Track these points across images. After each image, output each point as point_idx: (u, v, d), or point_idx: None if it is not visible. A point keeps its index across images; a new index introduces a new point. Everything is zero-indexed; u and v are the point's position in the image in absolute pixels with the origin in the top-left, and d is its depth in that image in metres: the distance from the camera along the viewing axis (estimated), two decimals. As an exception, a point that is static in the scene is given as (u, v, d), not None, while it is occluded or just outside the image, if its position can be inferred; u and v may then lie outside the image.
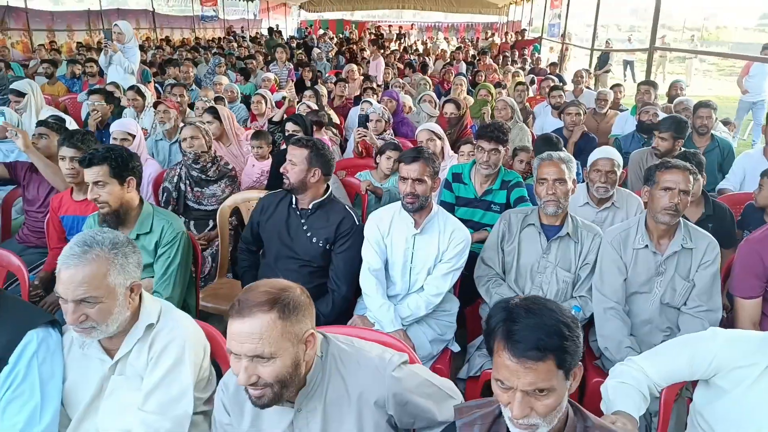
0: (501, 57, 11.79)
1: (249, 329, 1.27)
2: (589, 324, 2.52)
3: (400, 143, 3.82)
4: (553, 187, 2.44)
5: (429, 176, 2.40)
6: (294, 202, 2.63)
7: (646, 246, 2.35)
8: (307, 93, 5.85)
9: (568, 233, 2.51)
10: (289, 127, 4.03)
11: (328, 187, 2.68)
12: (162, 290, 2.42)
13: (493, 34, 18.68)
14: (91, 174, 2.33)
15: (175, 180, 3.75)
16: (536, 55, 12.98)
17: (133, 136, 3.87)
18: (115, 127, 3.87)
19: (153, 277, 2.47)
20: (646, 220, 2.38)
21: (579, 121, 4.42)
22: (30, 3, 13.31)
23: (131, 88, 5.26)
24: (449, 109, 4.33)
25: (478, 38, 21.89)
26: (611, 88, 6.40)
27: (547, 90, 6.08)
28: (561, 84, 7.14)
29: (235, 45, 15.08)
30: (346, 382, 1.42)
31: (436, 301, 2.48)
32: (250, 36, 18.59)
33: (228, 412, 1.49)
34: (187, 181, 3.76)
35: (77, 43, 14.02)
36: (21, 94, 4.82)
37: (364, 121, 4.28)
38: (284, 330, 1.28)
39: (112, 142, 3.86)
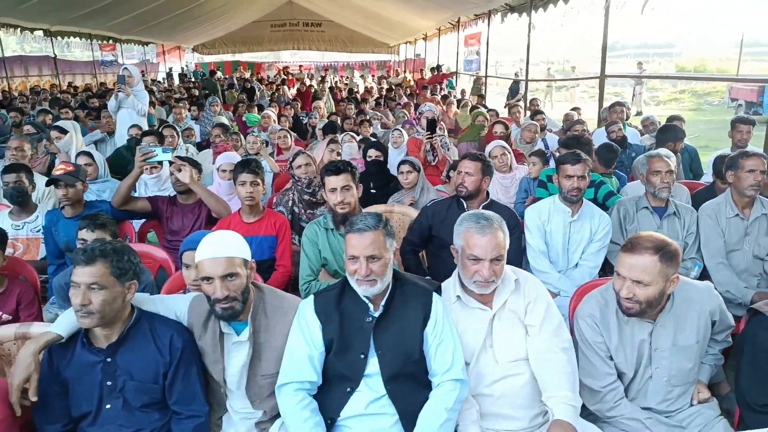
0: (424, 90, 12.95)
1: (640, 263, 1.92)
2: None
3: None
4: (666, 176, 3.28)
5: (588, 173, 3.15)
6: (465, 207, 3.23)
7: (736, 215, 3.25)
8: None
9: (674, 212, 3.35)
10: (372, 153, 4.57)
11: (488, 192, 3.32)
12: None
13: (404, 71, 19.99)
14: None
15: (289, 204, 4.13)
16: (452, 90, 14.35)
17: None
18: (223, 160, 4.16)
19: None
20: (732, 196, 3.29)
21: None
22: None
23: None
24: (499, 128, 5.14)
25: (389, 75, 23.21)
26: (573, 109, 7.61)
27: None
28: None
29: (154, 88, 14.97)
30: (692, 299, 2.09)
31: (595, 272, 3.18)
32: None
33: (600, 332, 2.09)
34: (300, 204, 4.15)
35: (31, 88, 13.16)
36: (64, 131, 5.02)
37: (432, 125, 4.90)
38: (662, 269, 1.94)
39: (221, 174, 4.15)
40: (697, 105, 19.10)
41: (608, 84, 25.56)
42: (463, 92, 13.19)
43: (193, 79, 22.67)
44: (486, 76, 12.99)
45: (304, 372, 1.94)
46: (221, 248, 1.95)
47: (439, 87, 14.26)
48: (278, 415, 2.01)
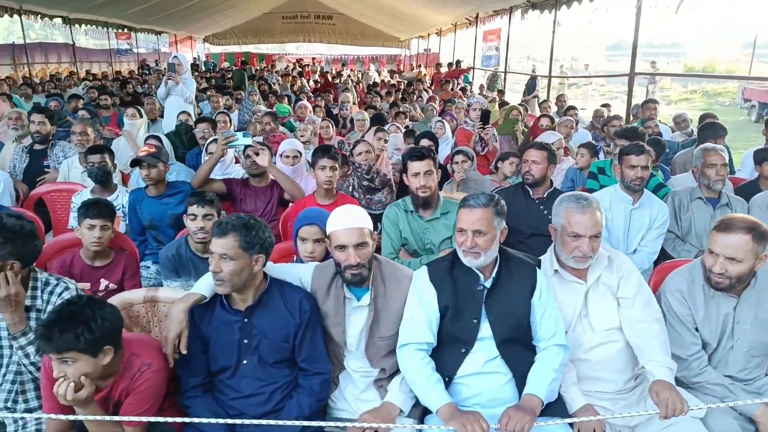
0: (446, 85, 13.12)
1: (734, 241, 2.11)
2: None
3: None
4: (722, 169, 3.48)
5: (650, 164, 3.34)
6: (530, 194, 3.43)
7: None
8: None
9: (726, 203, 3.55)
10: (425, 143, 4.76)
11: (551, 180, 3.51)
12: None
13: (419, 65, 20.14)
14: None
15: (349, 189, 4.31)
16: (468, 85, 14.50)
17: (301, 154, 4.36)
18: (286, 146, 4.34)
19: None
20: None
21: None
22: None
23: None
24: (545, 122, 5.34)
25: (399, 69, 23.37)
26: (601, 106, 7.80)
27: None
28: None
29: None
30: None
31: (653, 258, 3.38)
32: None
33: (688, 305, 2.29)
34: (360, 190, 4.34)
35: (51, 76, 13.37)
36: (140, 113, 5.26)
37: (486, 116, 5.09)
38: (753, 247, 2.13)
39: (284, 160, 4.34)
40: (708, 105, 19.28)
41: (617, 82, 25.76)
42: (481, 87, 13.35)
43: (204, 69, 22.81)
44: (506, 72, 13.14)
45: (422, 334, 2.13)
46: (354, 219, 2.14)
47: (455, 82, 14.44)
48: (394, 374, 2.21)
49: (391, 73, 20.44)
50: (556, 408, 2.08)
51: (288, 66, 24.76)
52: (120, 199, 3.82)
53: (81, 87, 12.42)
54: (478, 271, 2.16)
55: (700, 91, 21.10)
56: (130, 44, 20.83)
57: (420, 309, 2.15)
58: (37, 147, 4.75)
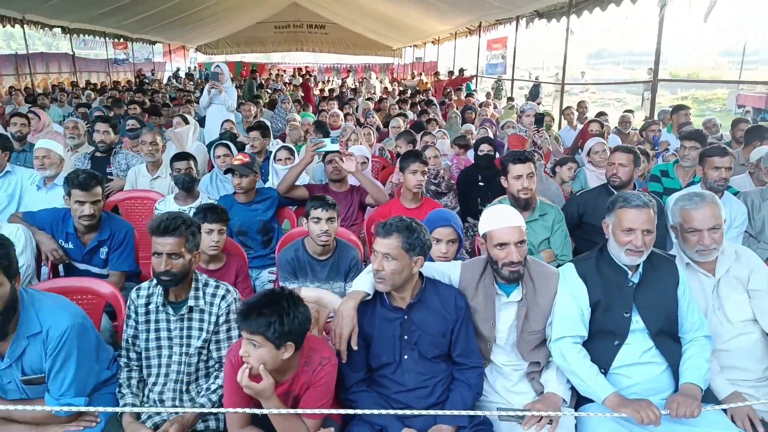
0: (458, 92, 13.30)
1: None
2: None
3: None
4: (792, 168, 3.64)
5: (732, 165, 3.49)
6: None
7: None
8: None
9: (795, 200, 3.71)
10: (484, 147, 4.87)
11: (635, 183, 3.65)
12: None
13: (420, 73, 20.33)
14: None
15: (418, 195, 4.40)
16: (471, 93, 14.65)
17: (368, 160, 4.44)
18: (356, 152, 4.40)
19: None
20: None
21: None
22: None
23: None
24: (595, 127, 5.50)
25: (392, 77, 23.55)
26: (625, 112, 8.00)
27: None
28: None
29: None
30: None
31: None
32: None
33: None
34: (427, 194, 4.43)
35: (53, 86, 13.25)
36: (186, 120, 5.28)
37: (541, 120, 5.21)
38: None
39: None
40: (699, 111, 19.76)
41: (608, 90, 26.23)
42: (488, 95, 13.55)
43: (198, 79, 22.76)
44: (513, 80, 13.36)
45: (576, 328, 2.23)
46: (513, 219, 2.23)
47: (461, 89, 14.62)
48: (544, 367, 2.30)
49: (392, 81, 20.58)
50: (706, 396, 2.18)
51: (282, 74, 24.73)
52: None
53: (89, 98, 12.31)
54: (626, 268, 2.26)
55: (690, 98, 21.63)
56: (126, 54, 20.72)
57: (572, 304, 2.25)
58: (98, 155, 4.76)
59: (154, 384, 2.30)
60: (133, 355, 2.34)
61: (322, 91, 16.09)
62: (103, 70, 19.31)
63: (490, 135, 6.06)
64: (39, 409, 2.01)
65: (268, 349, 1.87)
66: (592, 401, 2.20)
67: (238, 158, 3.65)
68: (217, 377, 2.32)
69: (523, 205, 3.17)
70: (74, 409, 2.04)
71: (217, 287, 2.33)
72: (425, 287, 2.26)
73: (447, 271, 2.39)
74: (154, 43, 22.86)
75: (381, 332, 2.22)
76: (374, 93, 16.19)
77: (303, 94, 13.48)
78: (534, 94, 14.80)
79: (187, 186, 3.76)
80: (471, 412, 2.10)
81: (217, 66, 6.48)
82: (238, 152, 5.30)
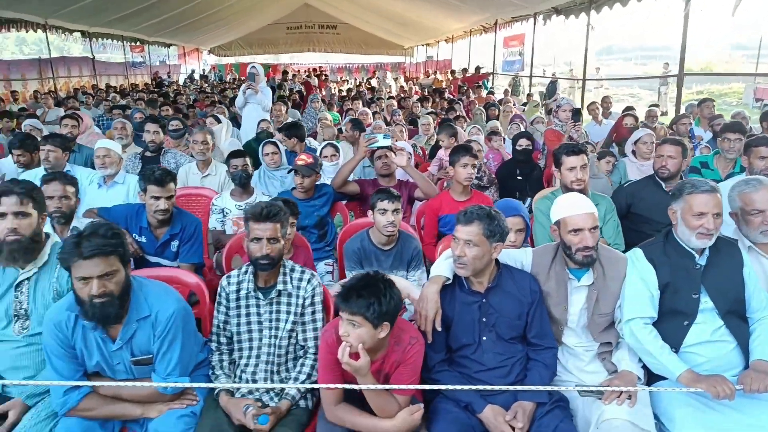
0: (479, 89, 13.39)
1: None
2: None
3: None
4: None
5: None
6: (663, 186, 3.65)
7: None
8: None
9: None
10: (522, 142, 4.98)
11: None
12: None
13: (435, 72, 20.43)
14: None
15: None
16: (492, 91, 14.75)
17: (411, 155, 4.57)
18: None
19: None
20: None
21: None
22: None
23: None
24: (629, 121, 5.60)
25: (404, 76, 23.68)
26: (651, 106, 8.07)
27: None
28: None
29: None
30: None
31: None
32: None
33: None
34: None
35: (75, 89, 13.57)
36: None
37: (578, 114, 5.31)
38: None
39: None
40: (716, 106, 19.71)
41: (622, 85, 26.18)
42: (506, 92, 13.63)
43: (214, 81, 23.02)
44: (531, 76, 13.45)
45: (647, 309, 2.34)
46: (587, 206, 2.35)
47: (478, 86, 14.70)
48: (615, 347, 2.42)
49: (407, 80, 20.70)
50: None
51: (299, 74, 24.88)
52: (258, 200, 3.99)
53: (114, 101, 12.51)
54: (693, 251, 2.37)
55: (706, 92, 21.55)
56: (143, 57, 20.99)
57: (642, 286, 2.36)
58: (148, 154, 4.92)
59: (246, 365, 2.44)
60: (223, 340, 2.48)
61: (340, 91, 16.21)
62: (121, 73, 19.59)
63: (522, 129, 6.18)
64: (147, 386, 2.16)
65: (366, 329, 1.99)
66: (663, 379, 2.31)
67: (302, 159, 3.79)
68: (303, 364, 2.44)
69: None
70: (180, 385, 2.19)
71: (302, 272, 2.47)
72: (501, 272, 2.38)
73: (519, 257, 2.51)
74: (169, 45, 23.16)
75: (460, 315, 2.34)
76: (390, 92, 16.30)
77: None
78: (551, 91, 14.84)
79: (243, 182, 3.90)
80: (550, 388, 2.22)
81: (253, 67, 6.63)
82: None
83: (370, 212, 3.10)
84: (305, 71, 25.57)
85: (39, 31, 13.45)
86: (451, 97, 12.23)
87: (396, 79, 20.48)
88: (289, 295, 2.43)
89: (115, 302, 2.04)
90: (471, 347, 2.34)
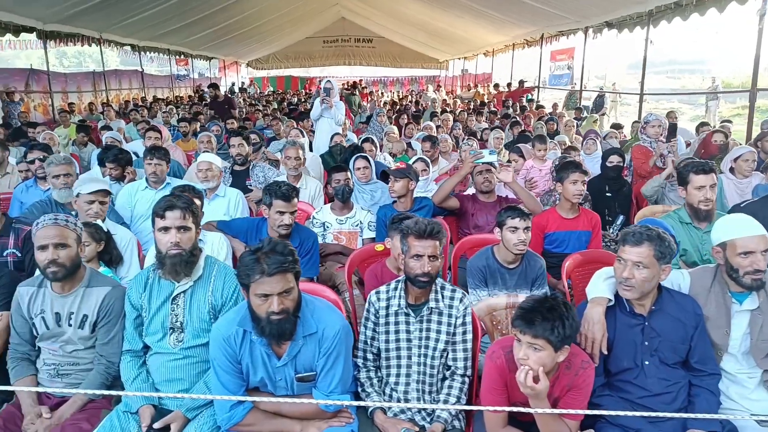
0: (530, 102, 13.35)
1: None
2: None
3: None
4: None
5: None
6: None
7: None
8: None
9: None
10: (613, 159, 4.90)
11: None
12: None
13: (476, 85, 20.42)
14: None
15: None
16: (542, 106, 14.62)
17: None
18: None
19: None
20: None
21: None
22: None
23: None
24: (719, 137, 5.47)
25: (438, 89, 23.70)
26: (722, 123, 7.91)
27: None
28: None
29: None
30: None
31: None
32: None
33: None
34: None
35: (126, 101, 13.99)
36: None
37: (674, 130, 5.22)
38: None
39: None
40: (762, 120, 19.27)
41: (662, 99, 25.79)
42: (555, 106, 13.53)
43: (254, 94, 23.40)
44: (581, 90, 13.32)
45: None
46: (759, 227, 2.28)
47: (522, 101, 14.63)
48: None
49: (448, 93, 20.71)
50: None
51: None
52: (357, 216, 3.99)
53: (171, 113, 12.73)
54: None
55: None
56: (187, 70, 21.42)
57: None
58: (237, 168, 4.97)
59: (396, 384, 2.41)
60: (369, 356, 2.46)
61: (385, 104, 16.29)
62: (167, 85, 20.01)
63: (598, 146, 6.09)
64: (309, 402, 2.14)
65: (548, 353, 1.95)
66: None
67: (396, 165, 3.81)
68: (451, 386, 2.40)
69: (704, 216, 3.20)
70: (342, 403, 2.17)
71: (453, 290, 2.44)
72: (662, 294, 2.32)
73: (676, 279, 2.44)
74: (210, 59, 23.62)
75: (621, 338, 2.28)
76: (435, 106, 16.31)
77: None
78: (598, 105, 14.66)
79: (345, 197, 3.91)
80: (725, 416, 2.14)
81: (328, 81, 6.70)
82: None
83: (496, 230, 3.06)
84: (344, 85, 25.76)
85: (94, 45, 13.89)
86: (506, 111, 12.17)
87: (437, 92, 20.46)
88: (440, 313, 2.40)
89: (291, 319, 2.04)
90: (632, 371, 2.28)
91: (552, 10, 12.17)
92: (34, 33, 10.99)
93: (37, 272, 2.48)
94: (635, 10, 10.42)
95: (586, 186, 3.67)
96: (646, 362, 2.27)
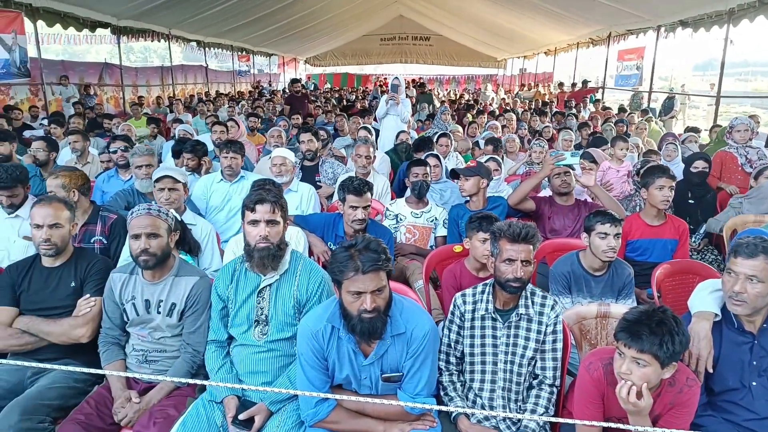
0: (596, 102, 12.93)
1: None
2: None
3: None
4: None
5: None
6: None
7: None
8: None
9: None
10: (698, 164, 4.65)
11: None
12: None
13: (537, 84, 20.00)
14: None
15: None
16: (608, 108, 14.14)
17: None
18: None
19: None
20: None
21: None
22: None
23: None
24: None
25: (496, 88, 23.33)
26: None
27: None
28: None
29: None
30: None
31: None
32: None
33: None
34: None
35: (191, 96, 14.54)
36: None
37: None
38: None
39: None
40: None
41: (733, 103, 24.72)
42: (621, 108, 13.06)
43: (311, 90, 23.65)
44: (650, 92, 12.82)
45: None
46: None
47: (584, 101, 14.19)
48: None
49: (507, 92, 20.37)
50: None
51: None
52: (433, 211, 3.94)
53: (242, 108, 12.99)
54: None
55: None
56: (248, 66, 21.90)
57: None
58: (306, 163, 5.00)
59: (481, 390, 2.34)
60: (452, 360, 2.39)
61: (442, 102, 16.15)
62: (228, 81, 20.52)
63: (678, 149, 5.82)
64: (395, 404, 2.10)
65: (653, 368, 1.83)
66: None
67: (469, 164, 3.75)
68: (539, 396, 2.31)
69: None
70: (428, 407, 2.11)
71: (544, 297, 2.34)
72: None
73: None
74: (270, 55, 24.09)
75: (727, 355, 2.14)
76: (492, 104, 16.07)
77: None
78: (668, 107, 14.05)
79: (424, 192, 3.87)
80: None
81: (396, 78, 6.67)
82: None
83: (584, 235, 2.94)
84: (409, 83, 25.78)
85: (162, 40, 14.38)
86: (571, 112, 11.83)
87: (497, 91, 20.14)
88: (530, 320, 2.31)
89: (382, 318, 2.00)
90: (739, 392, 2.13)
91: (623, 8, 11.74)
92: (109, 28, 11.47)
93: (127, 258, 2.54)
94: (714, 8, 9.91)
95: (673, 192, 3.48)
96: (754, 383, 2.12)
